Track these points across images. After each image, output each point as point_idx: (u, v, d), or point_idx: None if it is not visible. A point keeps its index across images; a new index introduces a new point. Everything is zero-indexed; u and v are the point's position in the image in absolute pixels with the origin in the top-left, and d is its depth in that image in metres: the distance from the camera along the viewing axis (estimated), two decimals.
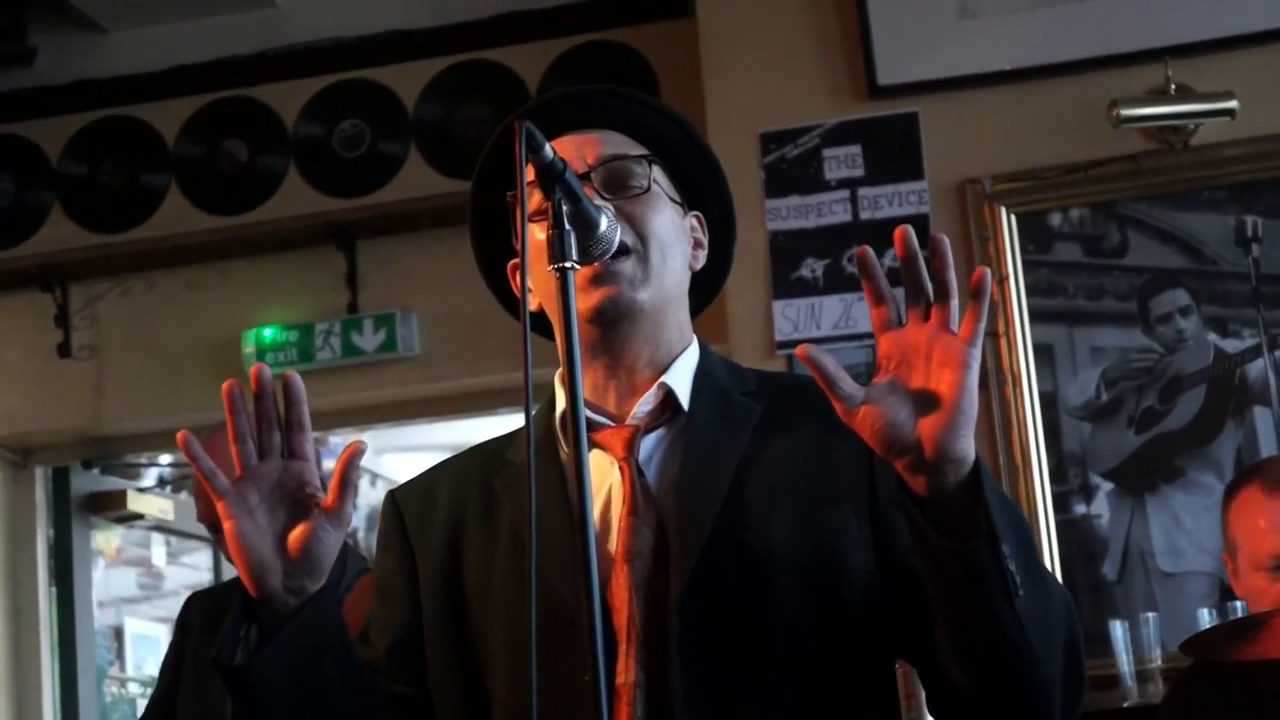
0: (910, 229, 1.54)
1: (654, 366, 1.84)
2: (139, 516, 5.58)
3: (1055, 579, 1.73)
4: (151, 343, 4.98)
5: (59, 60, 5.06)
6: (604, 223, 1.71)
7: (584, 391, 1.80)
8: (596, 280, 1.78)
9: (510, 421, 4.42)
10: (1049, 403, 3.96)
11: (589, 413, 1.81)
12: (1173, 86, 3.96)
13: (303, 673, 1.71)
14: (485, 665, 1.79)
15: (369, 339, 4.78)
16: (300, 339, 4.82)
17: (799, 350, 1.55)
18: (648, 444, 1.82)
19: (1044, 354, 3.98)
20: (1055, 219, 4.04)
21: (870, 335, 4.26)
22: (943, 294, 1.55)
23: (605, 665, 1.53)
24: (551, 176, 1.64)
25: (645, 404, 1.83)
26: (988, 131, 4.09)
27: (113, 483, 5.49)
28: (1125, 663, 3.69)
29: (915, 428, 1.54)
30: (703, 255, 1.94)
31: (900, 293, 1.58)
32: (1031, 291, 4.00)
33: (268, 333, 4.84)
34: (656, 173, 1.87)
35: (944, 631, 1.64)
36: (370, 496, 7.45)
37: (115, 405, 5.00)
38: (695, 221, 1.94)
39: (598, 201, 1.76)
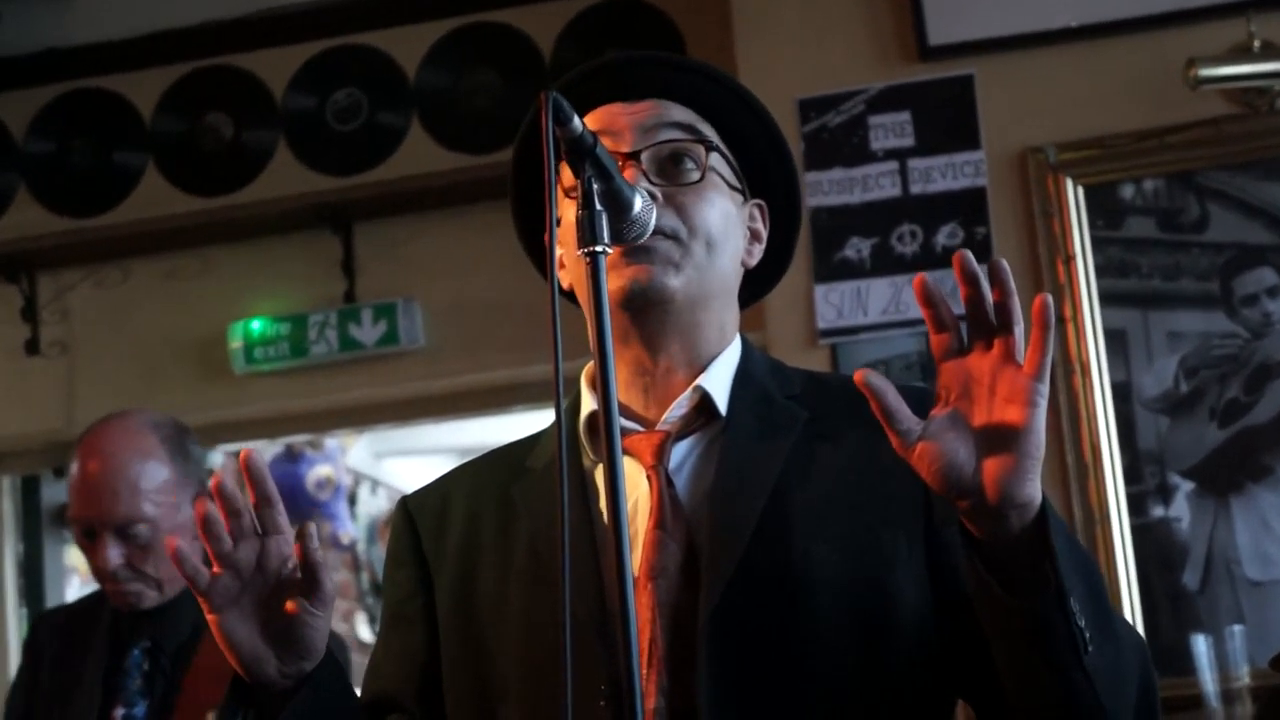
0: (969, 254, 1.55)
1: (689, 367, 1.86)
2: None
3: (1125, 622, 1.74)
4: (128, 338, 4.99)
5: (22, 27, 5.06)
6: (639, 203, 1.70)
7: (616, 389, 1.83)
8: (630, 256, 1.79)
9: (523, 421, 4.43)
10: (1122, 394, 3.96)
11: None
12: (1257, 44, 3.95)
13: None
14: (501, 692, 1.80)
15: (368, 331, 4.79)
16: (292, 332, 4.82)
17: (857, 376, 1.56)
18: (679, 451, 1.83)
19: (1116, 340, 3.98)
20: (1127, 191, 4.03)
21: (922, 321, 4.29)
22: (1006, 324, 1.56)
23: (624, 690, 1.54)
24: (581, 152, 1.64)
25: (678, 408, 1.84)
26: (1051, 95, 4.08)
27: None
28: (1209, 681, 3.69)
29: (978, 469, 1.56)
30: (759, 250, 1.95)
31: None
32: (1101, 272, 4.00)
33: (256, 325, 4.84)
34: (714, 159, 1.87)
35: (1008, 686, 1.67)
36: (370, 505, 7.47)
37: (89, 407, 4.88)
38: (756, 211, 1.95)
39: (643, 184, 1.77)
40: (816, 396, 1.88)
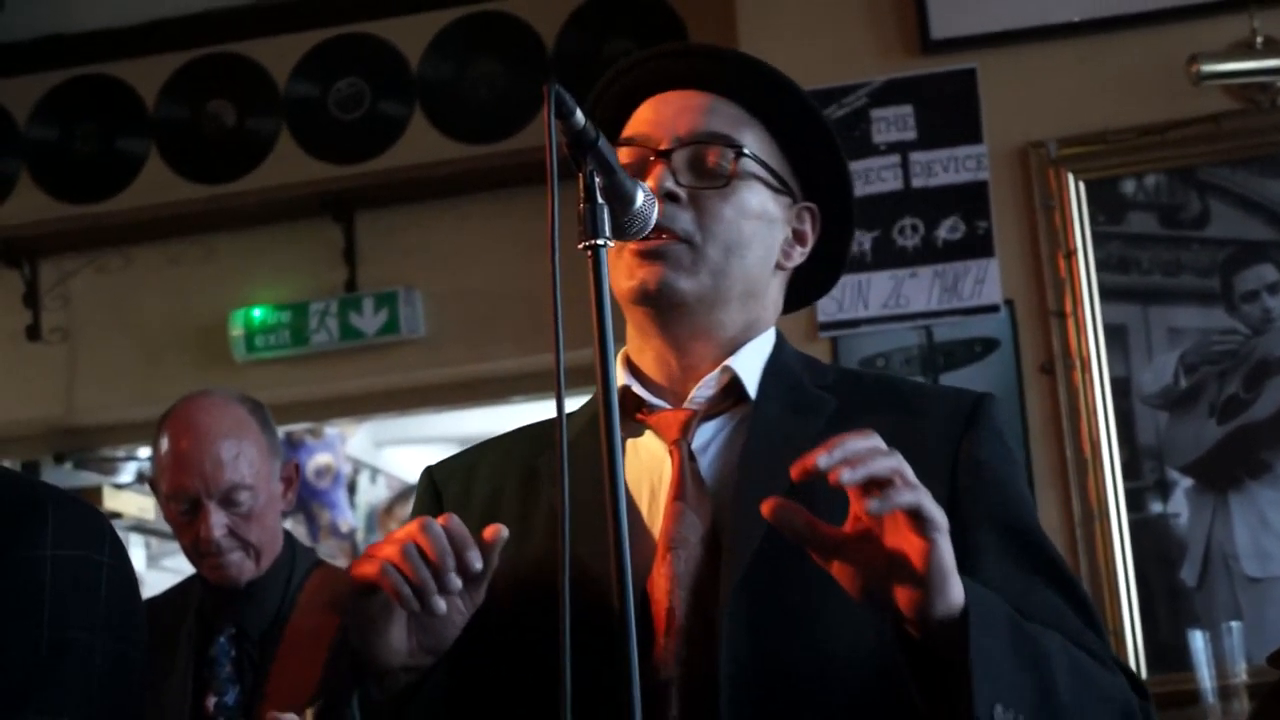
0: (777, 507, 1.58)
1: (715, 361, 1.88)
2: (116, 516, 5.58)
3: (1096, 685, 1.73)
4: (129, 324, 5.00)
5: (26, 14, 5.06)
6: (640, 197, 1.71)
7: (648, 368, 1.89)
8: (643, 256, 1.83)
9: (524, 411, 4.43)
10: (1122, 390, 3.96)
11: (646, 394, 1.88)
12: (1259, 39, 3.95)
13: None
14: (516, 660, 1.78)
15: (369, 320, 4.80)
16: (293, 320, 4.83)
17: (764, 509, 1.57)
18: (705, 431, 1.86)
19: (1116, 336, 3.97)
20: (1128, 186, 4.03)
21: (923, 315, 4.26)
22: (865, 491, 1.56)
23: (640, 659, 1.56)
24: (582, 145, 1.65)
25: (705, 388, 1.87)
26: (1053, 90, 4.08)
27: (87, 478, 5.50)
28: (1206, 677, 3.67)
29: (890, 589, 1.59)
30: (800, 253, 1.94)
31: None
32: (1102, 267, 3.99)
33: (257, 313, 4.85)
34: (747, 164, 1.88)
35: None
36: (370, 494, 7.47)
37: (89, 393, 5.01)
38: (806, 214, 1.94)
39: (669, 184, 1.81)
40: (848, 388, 1.90)
